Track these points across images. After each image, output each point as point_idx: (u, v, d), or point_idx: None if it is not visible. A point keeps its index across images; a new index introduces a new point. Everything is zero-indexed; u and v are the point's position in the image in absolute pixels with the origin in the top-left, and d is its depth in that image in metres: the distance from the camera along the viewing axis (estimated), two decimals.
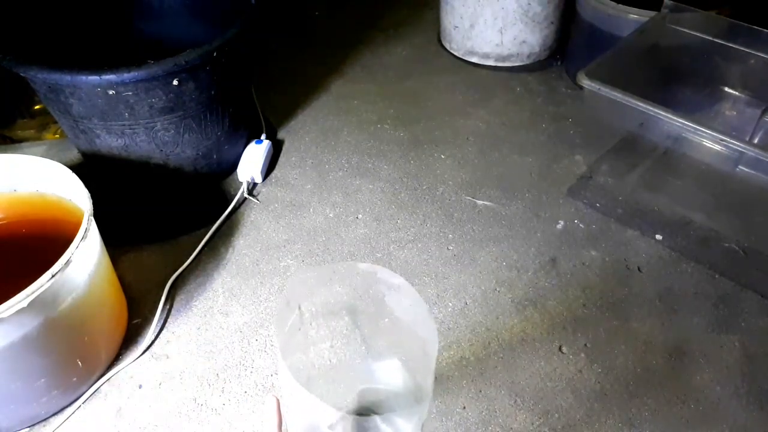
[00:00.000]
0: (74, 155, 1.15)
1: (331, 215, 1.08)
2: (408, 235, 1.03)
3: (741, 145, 0.83)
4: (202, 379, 0.83)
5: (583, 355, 0.84)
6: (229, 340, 0.87)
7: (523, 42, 1.41)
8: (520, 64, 1.46)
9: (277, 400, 0.48)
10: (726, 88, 1.15)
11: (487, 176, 1.14)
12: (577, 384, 0.81)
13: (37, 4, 1.07)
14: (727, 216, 1.04)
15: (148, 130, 0.96)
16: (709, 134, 0.86)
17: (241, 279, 0.96)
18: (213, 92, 0.99)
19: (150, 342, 0.87)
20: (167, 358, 0.86)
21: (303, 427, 0.49)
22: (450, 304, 0.91)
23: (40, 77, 0.88)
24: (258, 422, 0.78)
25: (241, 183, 1.13)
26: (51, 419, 0.79)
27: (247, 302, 0.93)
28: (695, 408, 0.78)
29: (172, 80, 0.91)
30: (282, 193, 1.12)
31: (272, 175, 1.17)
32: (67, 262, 0.68)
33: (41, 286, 0.65)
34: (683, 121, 0.87)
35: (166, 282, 0.94)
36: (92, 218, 0.74)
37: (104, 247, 0.83)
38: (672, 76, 1.16)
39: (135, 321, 0.90)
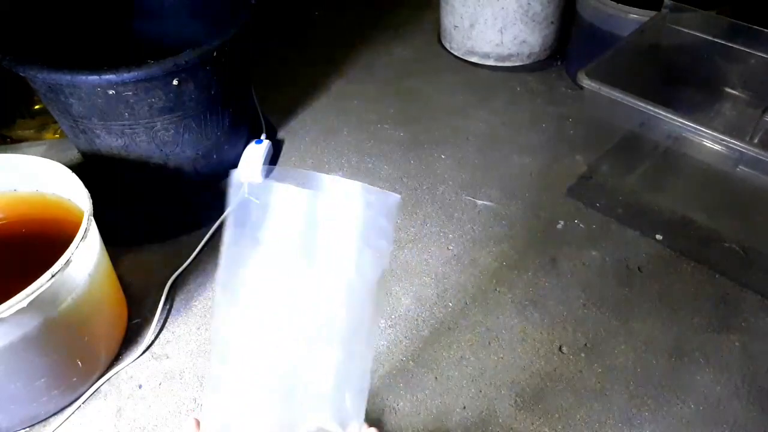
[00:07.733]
0: (74, 155, 1.14)
1: None
2: (408, 235, 1.03)
3: (741, 145, 0.83)
4: (202, 379, 0.83)
5: (583, 355, 0.84)
6: None
7: (523, 42, 1.41)
8: (520, 64, 1.46)
9: (196, 421, 0.43)
10: (726, 88, 1.15)
11: (487, 176, 1.14)
12: (577, 384, 0.81)
13: (36, 4, 1.06)
14: (727, 216, 1.04)
15: (148, 130, 0.96)
16: (709, 134, 0.86)
17: None
18: (213, 92, 0.99)
19: (150, 342, 0.87)
20: (167, 358, 0.86)
21: None
22: (450, 304, 0.91)
23: (40, 77, 0.88)
24: None
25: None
26: (51, 419, 0.79)
27: None
28: (695, 408, 0.78)
29: (172, 80, 0.91)
30: None
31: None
32: (67, 262, 0.68)
33: (41, 286, 0.65)
34: (683, 121, 0.87)
35: (166, 282, 0.94)
36: (92, 218, 0.74)
37: (104, 247, 0.83)
38: (672, 75, 1.16)
39: (135, 321, 0.90)
